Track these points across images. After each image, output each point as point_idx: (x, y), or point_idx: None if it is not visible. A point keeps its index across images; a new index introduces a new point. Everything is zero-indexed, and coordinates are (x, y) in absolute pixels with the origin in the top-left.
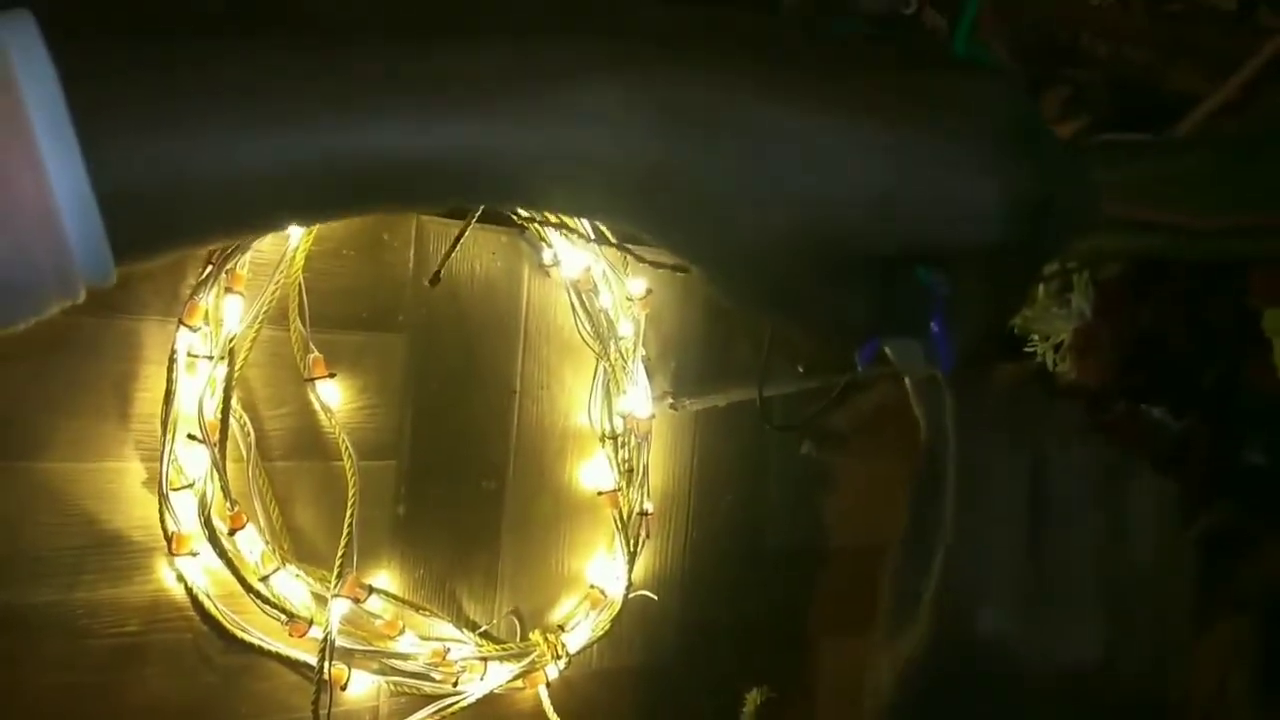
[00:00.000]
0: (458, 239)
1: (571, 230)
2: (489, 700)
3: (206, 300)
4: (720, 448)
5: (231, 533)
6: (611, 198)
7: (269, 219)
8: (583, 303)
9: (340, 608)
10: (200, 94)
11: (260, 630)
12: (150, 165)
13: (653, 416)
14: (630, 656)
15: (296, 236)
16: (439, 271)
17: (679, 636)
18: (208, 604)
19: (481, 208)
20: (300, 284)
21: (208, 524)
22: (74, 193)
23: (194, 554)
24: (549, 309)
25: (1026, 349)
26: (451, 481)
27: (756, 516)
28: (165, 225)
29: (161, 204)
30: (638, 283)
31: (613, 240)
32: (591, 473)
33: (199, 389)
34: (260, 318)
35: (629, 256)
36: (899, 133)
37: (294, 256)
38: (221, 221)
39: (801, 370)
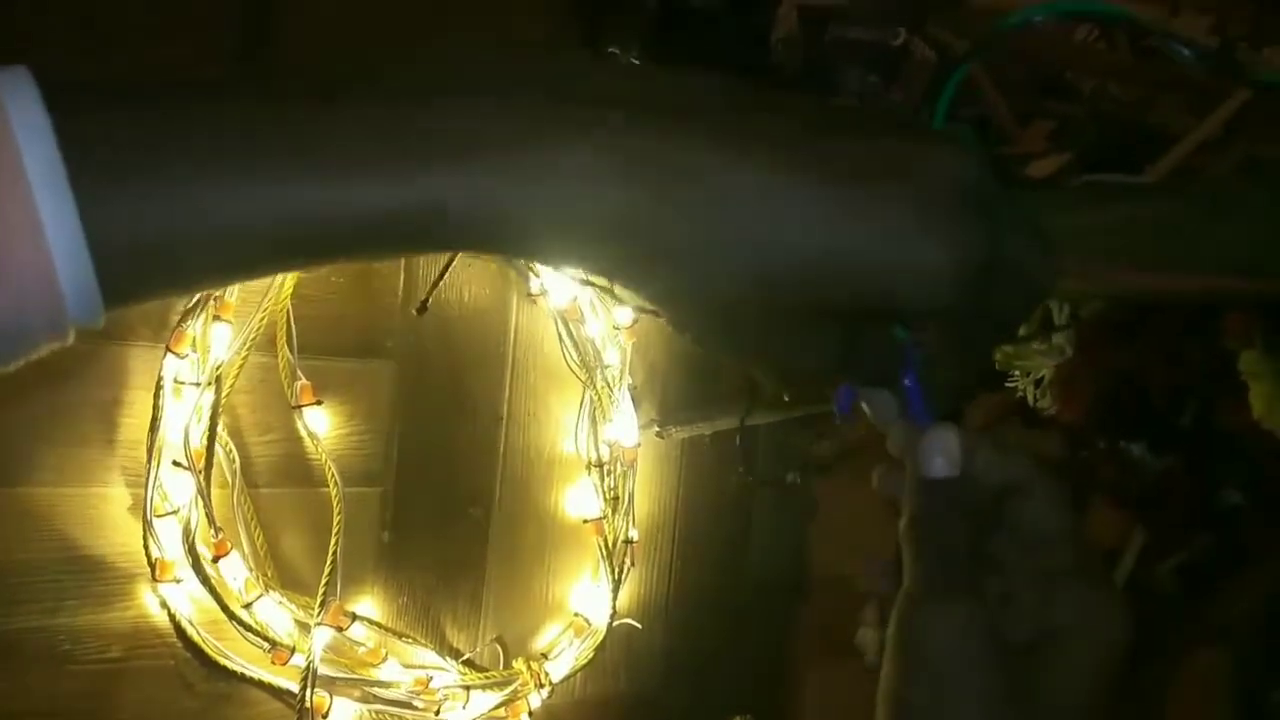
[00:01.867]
0: (446, 267)
1: None
2: None
3: (194, 328)
4: (706, 476)
5: (215, 559)
6: (583, 246)
7: (253, 269)
8: (569, 331)
9: (323, 636)
10: (190, 153)
11: (243, 658)
12: (141, 218)
13: (638, 445)
14: (614, 685)
15: None
16: (426, 300)
17: (663, 665)
18: (190, 631)
19: None
20: (289, 311)
21: (191, 551)
22: (68, 243)
23: (177, 581)
24: (536, 337)
25: (1008, 384)
26: (437, 508)
27: (741, 545)
28: (153, 273)
29: (150, 254)
30: (624, 312)
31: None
32: (577, 500)
33: (185, 416)
34: (248, 344)
35: (610, 292)
36: (847, 193)
37: (283, 284)
38: (206, 271)
39: (787, 400)
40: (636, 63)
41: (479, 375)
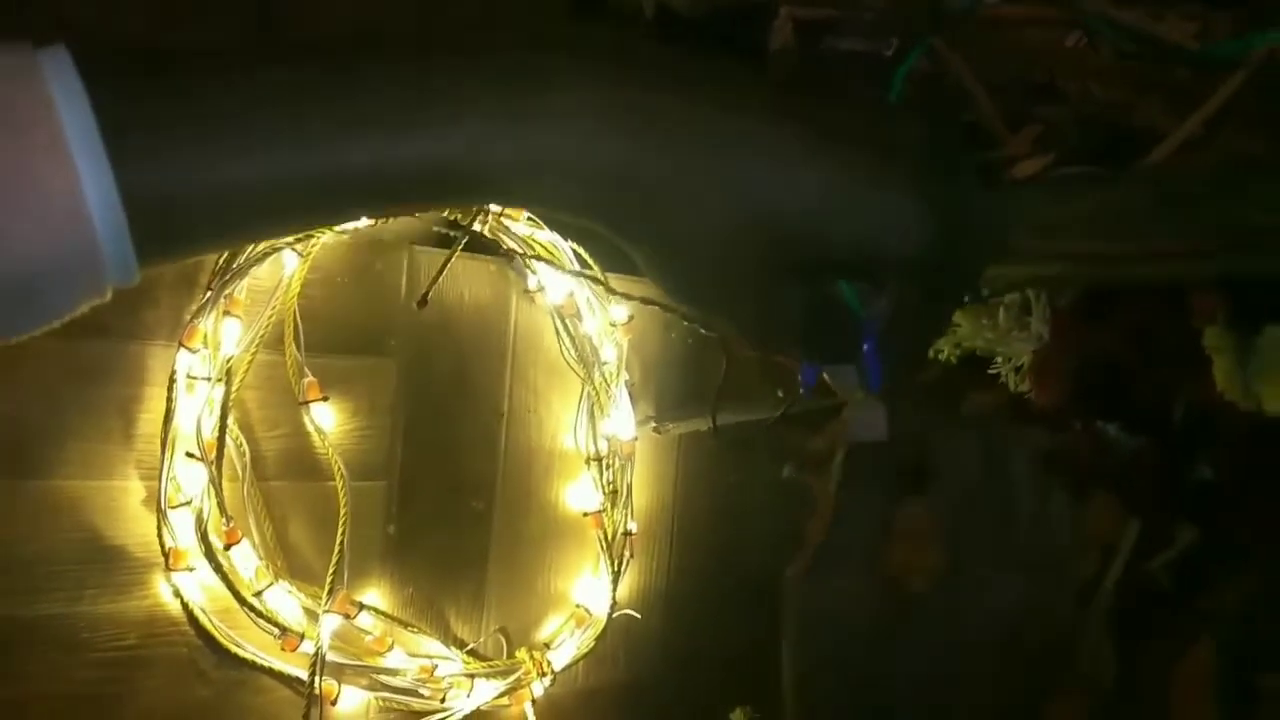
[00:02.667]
0: (445, 264)
1: (553, 260)
2: (476, 717)
3: (206, 324)
4: (702, 470)
5: (227, 548)
6: (574, 192)
7: (274, 225)
8: (567, 328)
9: (331, 623)
10: (212, 116)
11: (254, 645)
12: (168, 177)
13: (635, 439)
14: (615, 674)
15: (292, 264)
16: (426, 294)
17: (663, 655)
18: (203, 619)
19: (466, 238)
20: (295, 310)
21: (204, 539)
22: (103, 198)
23: (190, 569)
24: (535, 334)
25: (990, 370)
26: (440, 502)
27: (739, 537)
28: (181, 228)
29: (178, 210)
30: (620, 309)
31: (595, 269)
32: (577, 494)
33: (197, 409)
34: (256, 342)
35: (605, 287)
36: (829, 145)
37: (289, 283)
38: (232, 227)
39: (781, 395)
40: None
41: (480, 371)
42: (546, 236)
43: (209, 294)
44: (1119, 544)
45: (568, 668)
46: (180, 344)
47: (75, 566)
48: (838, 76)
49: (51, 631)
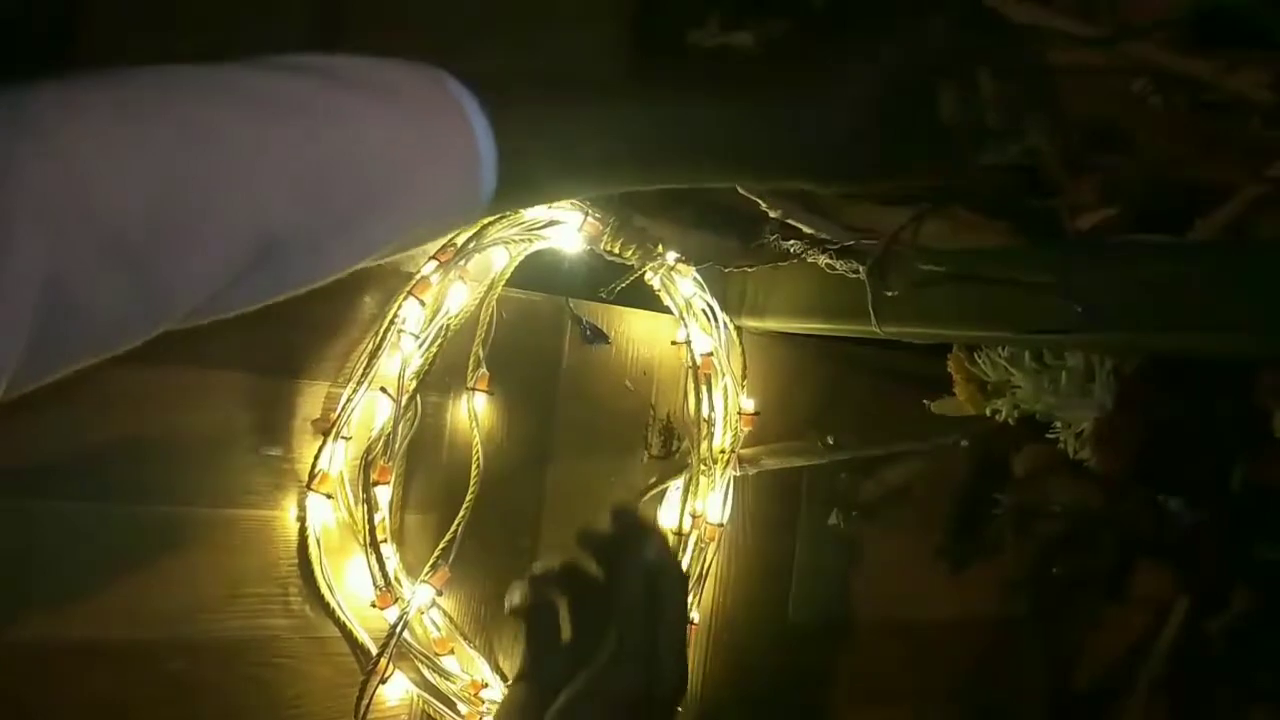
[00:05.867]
0: (627, 278)
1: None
2: None
3: (435, 279)
4: (747, 517)
5: (375, 484)
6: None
7: (608, 180)
8: (697, 391)
9: (425, 594)
10: (558, 107)
11: (341, 595)
12: (526, 142)
13: (722, 525)
14: None
15: (502, 261)
16: (598, 330)
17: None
18: (313, 549)
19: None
20: (494, 305)
21: (364, 469)
22: (487, 152)
23: (329, 496)
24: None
25: (1049, 435)
26: (492, 537)
27: (781, 588)
28: (529, 179)
29: (528, 166)
30: (749, 401)
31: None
32: None
33: (403, 355)
34: (460, 316)
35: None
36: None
37: (498, 276)
38: (573, 182)
39: (831, 442)
40: None
41: (530, 408)
42: (702, 305)
43: (439, 263)
44: (1170, 612)
45: None
46: (409, 292)
47: (238, 469)
48: None
49: (173, 524)
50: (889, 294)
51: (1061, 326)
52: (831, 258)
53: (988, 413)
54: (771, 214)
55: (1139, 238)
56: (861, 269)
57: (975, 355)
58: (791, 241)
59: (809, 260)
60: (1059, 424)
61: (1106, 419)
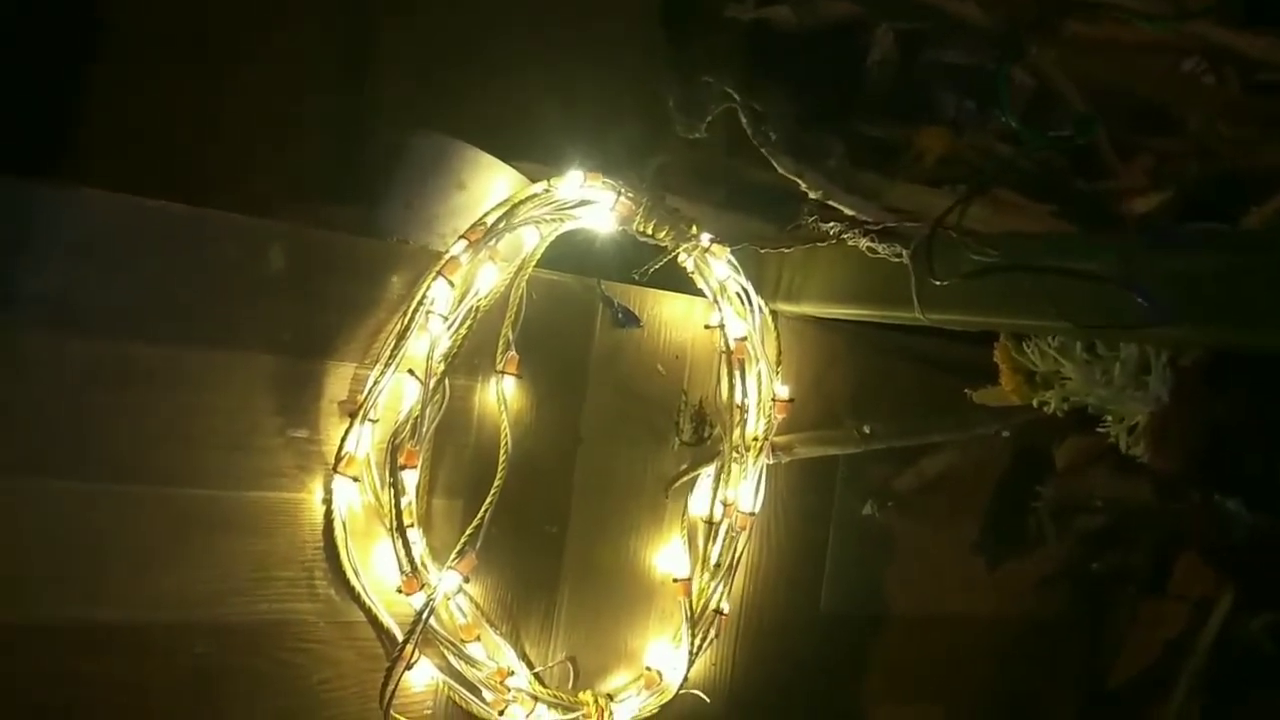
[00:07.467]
0: (659, 263)
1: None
2: None
3: (465, 259)
4: (779, 506)
5: (402, 468)
6: None
7: None
8: (730, 377)
9: (452, 580)
10: None
11: (367, 580)
12: None
13: (754, 514)
14: None
15: (533, 241)
16: (628, 311)
17: (728, 713)
18: (339, 533)
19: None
20: (524, 287)
21: (392, 453)
22: None
23: (355, 479)
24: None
25: (1099, 429)
26: (519, 523)
27: (813, 578)
28: None
29: None
30: (784, 388)
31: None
32: (667, 558)
33: (431, 336)
34: (490, 296)
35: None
36: None
37: (529, 257)
38: None
39: (868, 431)
40: (729, 92)
41: (560, 392)
42: (737, 288)
43: (470, 240)
44: (1214, 605)
45: None
46: (439, 273)
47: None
48: (931, 90)
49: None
50: (937, 282)
51: (1123, 319)
52: (873, 240)
53: (1035, 404)
54: (811, 194)
55: (1203, 226)
56: (905, 252)
57: (1023, 344)
58: (831, 223)
59: (849, 242)
60: (1110, 417)
61: (1162, 413)
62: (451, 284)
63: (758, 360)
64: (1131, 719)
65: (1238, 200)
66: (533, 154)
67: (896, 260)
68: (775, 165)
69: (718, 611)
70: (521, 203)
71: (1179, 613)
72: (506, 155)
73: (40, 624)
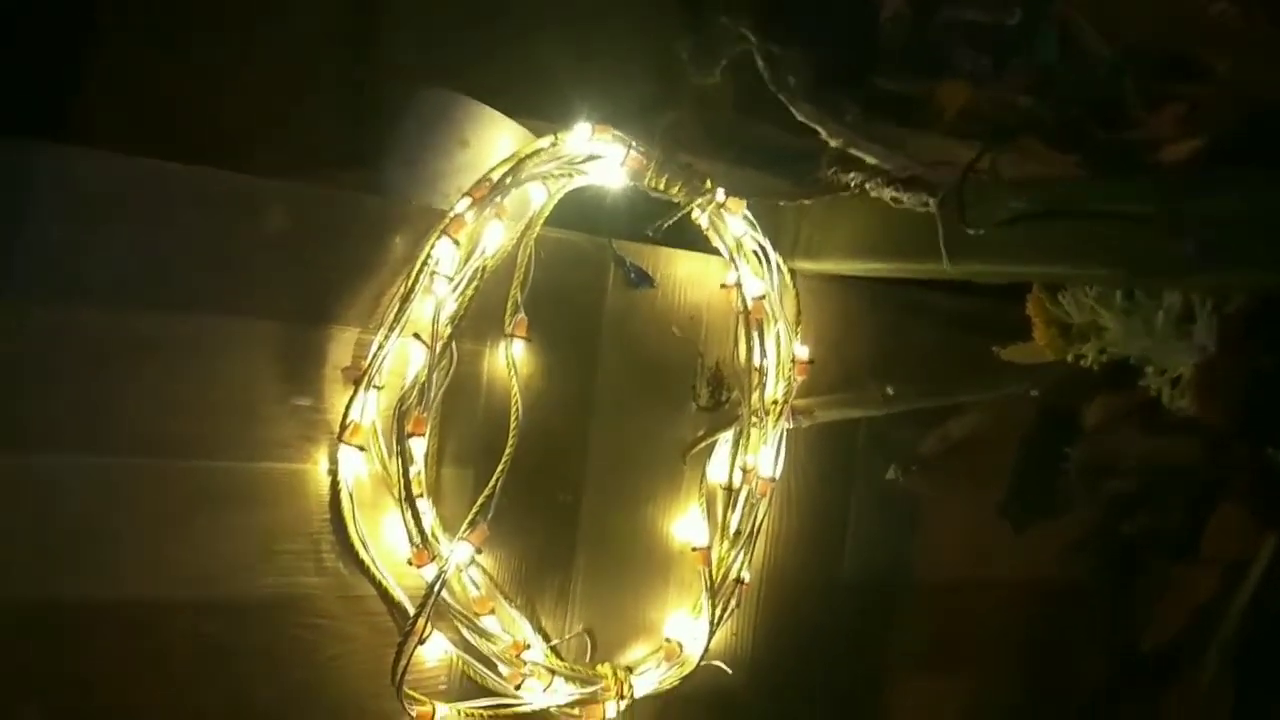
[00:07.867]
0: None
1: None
2: (543, 715)
3: (470, 217)
4: (800, 471)
5: (409, 436)
6: None
7: None
8: (748, 338)
9: (464, 551)
10: None
11: (375, 552)
12: None
13: (774, 480)
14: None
15: (540, 198)
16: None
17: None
18: (346, 505)
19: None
20: (532, 248)
21: (399, 420)
22: None
23: (362, 448)
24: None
25: (1141, 382)
26: (531, 493)
27: (835, 545)
28: None
29: None
30: (803, 349)
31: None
32: (685, 526)
33: (437, 298)
34: (496, 256)
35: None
36: None
37: (537, 215)
38: None
39: (891, 392)
40: (746, 33)
41: (571, 356)
42: (754, 245)
43: (473, 198)
44: (1251, 564)
45: (647, 697)
46: (443, 231)
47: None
48: (946, 46)
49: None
50: (971, 232)
51: (1169, 265)
52: (898, 189)
53: (1070, 358)
54: (831, 143)
55: (1248, 169)
56: (933, 201)
57: (1059, 296)
58: (852, 174)
59: (871, 194)
60: (1151, 369)
61: (1208, 364)
62: (457, 243)
63: (776, 320)
64: (1164, 686)
65: (1275, 144)
66: (540, 110)
67: (923, 209)
68: (794, 112)
69: (738, 580)
70: (528, 158)
71: (1212, 577)
72: (512, 112)
73: (38, 602)
